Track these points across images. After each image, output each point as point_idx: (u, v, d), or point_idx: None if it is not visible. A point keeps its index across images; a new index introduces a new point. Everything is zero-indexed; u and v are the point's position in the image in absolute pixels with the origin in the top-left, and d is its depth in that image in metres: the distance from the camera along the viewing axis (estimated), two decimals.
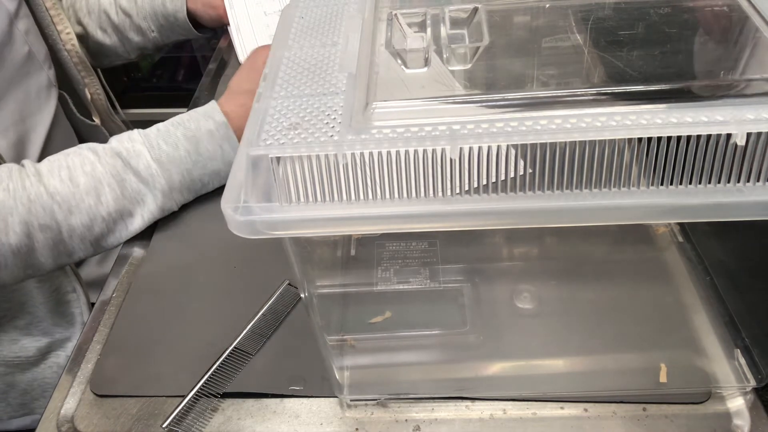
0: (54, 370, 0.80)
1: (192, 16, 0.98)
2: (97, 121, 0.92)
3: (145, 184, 0.65)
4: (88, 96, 0.90)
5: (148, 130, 0.67)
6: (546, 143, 0.34)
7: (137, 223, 0.67)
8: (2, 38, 0.73)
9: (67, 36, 0.84)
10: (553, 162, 0.34)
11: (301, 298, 0.56)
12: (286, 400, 0.53)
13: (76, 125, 0.91)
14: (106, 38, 0.97)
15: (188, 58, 1.90)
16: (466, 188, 0.35)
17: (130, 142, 0.65)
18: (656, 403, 0.51)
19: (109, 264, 0.84)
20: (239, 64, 0.96)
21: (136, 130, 0.67)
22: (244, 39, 0.97)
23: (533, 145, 0.34)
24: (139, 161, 0.64)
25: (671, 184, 0.34)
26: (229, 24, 0.99)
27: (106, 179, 0.63)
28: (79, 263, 0.88)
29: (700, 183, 0.34)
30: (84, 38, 0.95)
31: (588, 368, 0.55)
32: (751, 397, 0.51)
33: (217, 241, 0.66)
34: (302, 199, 0.36)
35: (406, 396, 0.53)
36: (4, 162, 0.67)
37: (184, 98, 0.99)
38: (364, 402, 0.53)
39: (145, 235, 0.69)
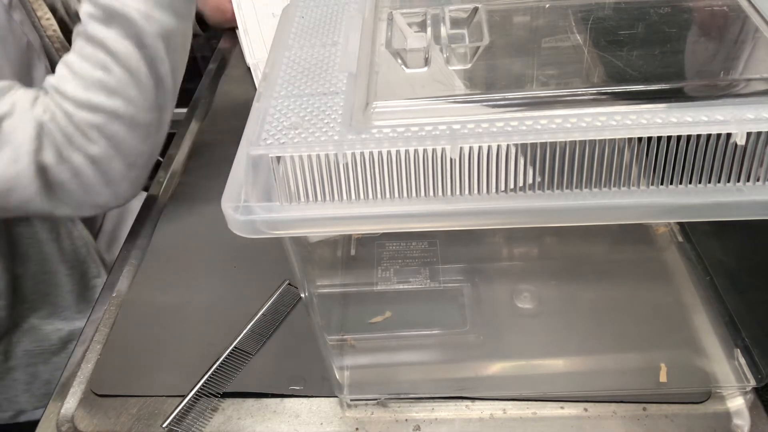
0: None
1: (199, 16, 0.99)
2: None
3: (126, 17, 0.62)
4: None
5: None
6: (546, 143, 0.34)
7: (165, 75, 0.65)
8: (3, 31, 0.72)
9: (47, 22, 0.82)
10: (553, 161, 0.34)
11: (301, 298, 0.57)
12: (286, 399, 0.53)
13: None
14: None
15: (188, 58, 1.89)
16: (467, 188, 0.35)
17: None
18: (656, 403, 0.51)
19: (115, 251, 0.85)
20: (242, 65, 0.96)
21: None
22: (252, 41, 0.97)
23: (533, 145, 0.34)
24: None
25: (671, 183, 0.34)
26: (235, 26, 1.00)
27: (106, 46, 0.62)
28: None
29: (700, 182, 0.34)
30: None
31: (588, 368, 0.55)
32: (751, 396, 0.51)
33: (217, 241, 0.66)
34: (302, 198, 0.36)
35: (406, 396, 0.53)
36: None
37: (184, 98, 0.99)
38: (364, 402, 0.53)
39: (146, 234, 0.69)
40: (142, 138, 0.65)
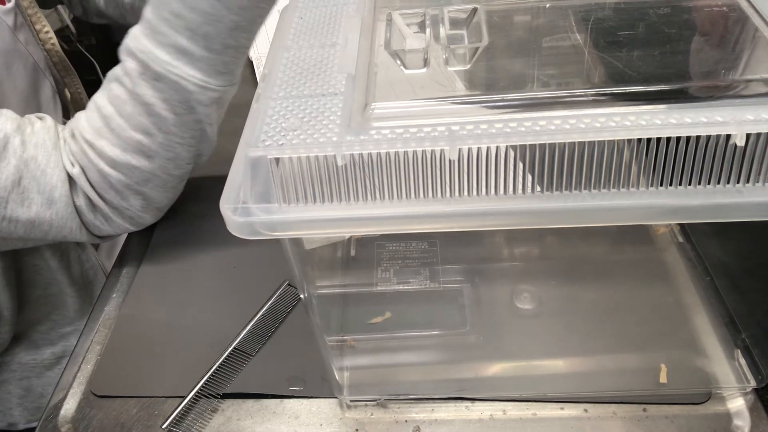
0: None
1: None
2: None
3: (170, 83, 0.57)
4: (68, 96, 0.88)
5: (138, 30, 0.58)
6: (545, 144, 0.34)
7: (211, 133, 0.63)
8: (9, 57, 0.71)
9: (47, 35, 0.81)
10: (553, 163, 0.34)
11: (300, 298, 0.56)
12: (285, 400, 0.53)
13: None
14: (108, 9, 0.97)
15: None
16: (466, 190, 0.35)
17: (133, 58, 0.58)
18: (656, 404, 0.51)
19: (116, 253, 0.85)
20: (248, 61, 0.96)
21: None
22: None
23: (532, 146, 0.34)
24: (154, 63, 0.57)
25: (671, 184, 0.34)
26: None
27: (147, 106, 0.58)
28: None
29: (699, 184, 0.34)
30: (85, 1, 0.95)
31: (588, 368, 0.55)
32: (751, 397, 0.51)
33: (217, 241, 0.66)
34: (301, 199, 0.36)
35: (406, 396, 0.53)
36: None
37: None
38: (364, 403, 0.53)
39: (145, 234, 0.69)
40: (174, 186, 0.65)
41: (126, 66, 0.58)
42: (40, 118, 0.61)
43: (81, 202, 0.61)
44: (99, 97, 0.60)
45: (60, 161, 0.59)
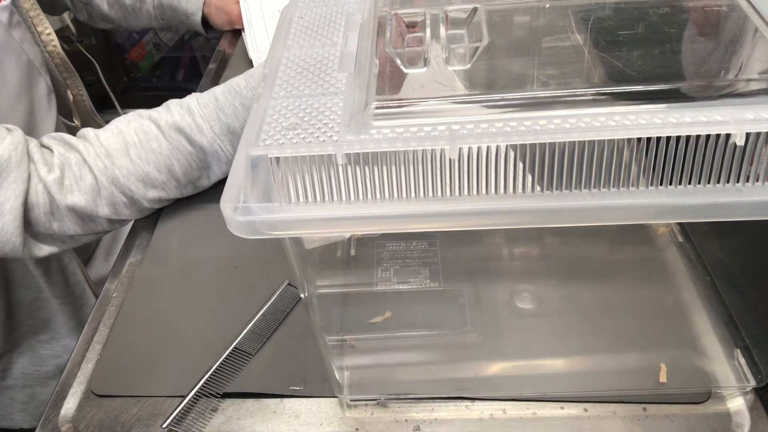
0: None
1: (203, 18, 1.00)
2: (77, 122, 0.91)
3: (211, 155, 0.66)
4: (70, 97, 0.88)
5: (204, 99, 0.66)
6: (545, 143, 0.34)
7: (204, 184, 0.69)
8: (0, 51, 0.72)
9: (48, 37, 0.82)
10: (552, 162, 0.34)
11: (301, 298, 0.56)
12: (286, 400, 0.53)
13: (58, 126, 0.90)
14: (112, 12, 0.98)
15: (188, 58, 1.90)
16: (466, 189, 0.35)
17: (190, 115, 0.65)
18: (656, 403, 0.51)
19: (115, 253, 0.85)
20: (243, 65, 0.96)
21: (193, 101, 0.66)
22: (256, 34, 0.97)
23: (532, 145, 0.34)
24: (203, 137, 0.65)
25: (670, 184, 0.34)
26: (239, 27, 1.00)
27: (174, 155, 0.64)
28: (86, 261, 0.89)
29: (699, 183, 0.34)
30: (89, 5, 0.96)
31: (588, 368, 0.55)
32: (751, 396, 0.51)
33: (217, 241, 0.66)
34: (301, 199, 0.36)
35: (406, 396, 0.53)
36: None
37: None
38: (364, 402, 0.53)
39: (145, 234, 0.69)
40: (149, 211, 0.69)
41: (173, 113, 0.64)
42: (10, 131, 0.61)
43: (39, 211, 0.61)
44: (123, 125, 0.64)
45: (21, 176, 0.58)
